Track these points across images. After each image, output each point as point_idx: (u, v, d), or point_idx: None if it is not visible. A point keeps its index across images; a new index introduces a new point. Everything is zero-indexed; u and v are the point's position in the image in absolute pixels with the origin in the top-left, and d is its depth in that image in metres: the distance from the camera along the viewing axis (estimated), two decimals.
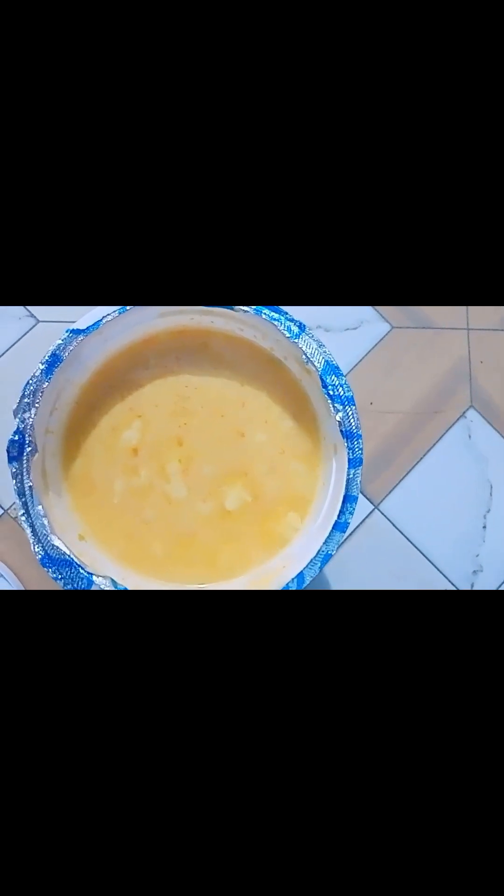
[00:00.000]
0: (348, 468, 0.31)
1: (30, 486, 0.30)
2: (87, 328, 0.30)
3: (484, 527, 0.51)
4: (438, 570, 0.51)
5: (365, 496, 0.50)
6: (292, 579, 0.31)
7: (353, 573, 0.51)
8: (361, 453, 0.32)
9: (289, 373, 0.35)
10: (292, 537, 0.35)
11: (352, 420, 0.32)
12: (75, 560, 0.30)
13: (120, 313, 0.30)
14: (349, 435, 0.31)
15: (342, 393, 0.32)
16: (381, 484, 0.52)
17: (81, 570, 0.30)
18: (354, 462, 0.32)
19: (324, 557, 0.31)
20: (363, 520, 0.51)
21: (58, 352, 0.30)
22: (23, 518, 0.30)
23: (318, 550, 0.31)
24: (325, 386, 0.32)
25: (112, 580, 0.31)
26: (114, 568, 0.33)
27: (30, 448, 0.30)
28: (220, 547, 0.35)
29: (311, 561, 0.31)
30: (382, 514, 0.51)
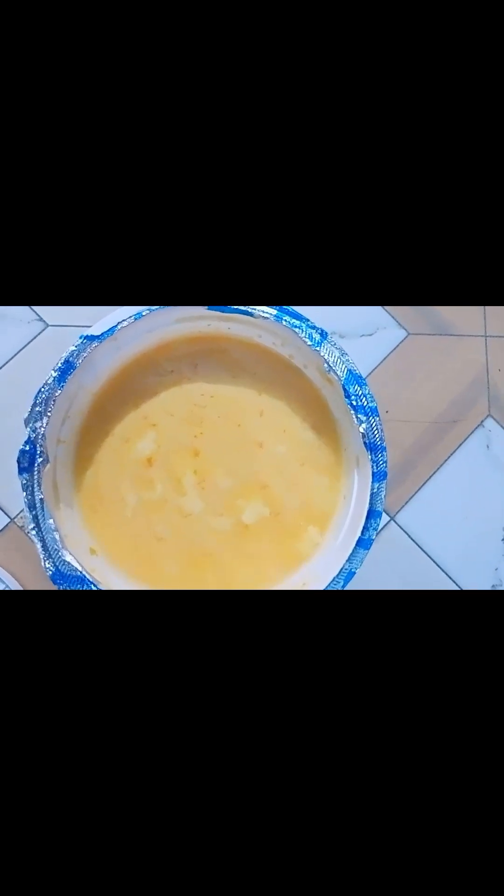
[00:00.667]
0: (372, 482, 0.30)
1: (41, 499, 0.28)
2: (102, 334, 0.29)
3: (503, 540, 0.50)
4: (457, 584, 0.49)
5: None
6: None
7: (367, 586, 0.49)
8: (385, 466, 0.31)
9: (308, 381, 0.34)
10: (312, 553, 0.33)
11: (376, 432, 0.30)
12: (87, 577, 0.28)
13: (136, 318, 0.29)
14: (373, 447, 0.30)
15: (366, 403, 0.30)
16: (398, 495, 0.50)
17: (94, 588, 0.29)
18: (379, 476, 0.30)
19: (347, 575, 0.30)
20: (379, 531, 0.50)
21: (71, 358, 0.29)
22: (33, 532, 0.29)
23: (342, 568, 0.30)
24: (347, 396, 0.30)
25: None
26: (126, 585, 0.32)
27: (41, 459, 0.28)
28: (237, 566, 0.33)
29: (333, 579, 0.30)
30: (399, 525, 0.50)
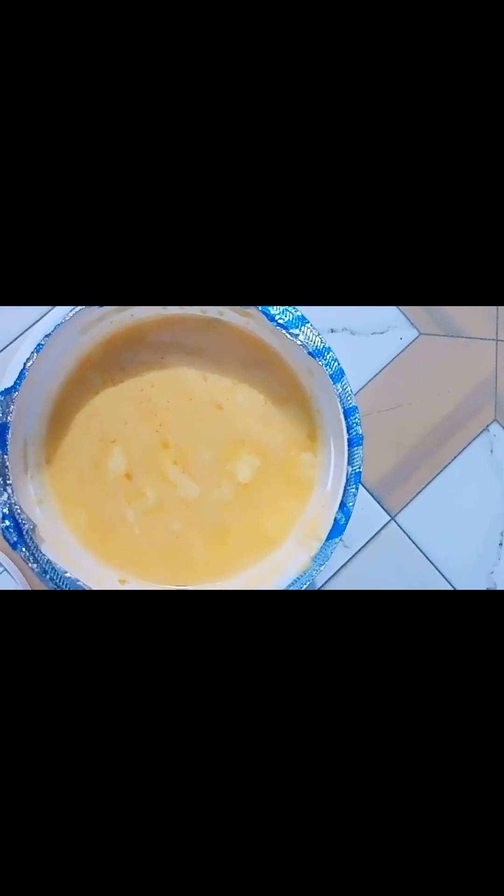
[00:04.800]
0: (333, 384, 0.30)
1: (48, 561, 0.28)
2: (16, 383, 0.28)
3: (500, 544, 0.49)
4: (452, 585, 0.49)
5: (382, 507, 0.48)
6: (339, 511, 0.30)
7: (365, 584, 0.48)
8: (338, 365, 0.30)
9: (230, 325, 0.33)
10: (315, 476, 0.34)
11: (312, 336, 0.30)
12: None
13: (37, 352, 0.28)
14: (317, 353, 0.30)
15: (290, 317, 0.30)
16: (399, 495, 0.49)
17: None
18: (336, 376, 0.30)
19: (356, 477, 0.30)
20: (379, 531, 0.48)
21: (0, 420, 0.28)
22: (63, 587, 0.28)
23: (347, 475, 0.30)
24: (272, 319, 0.30)
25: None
26: (166, 586, 0.32)
27: (27, 525, 0.28)
28: (258, 520, 0.34)
29: (345, 487, 0.30)
30: (399, 525, 0.49)
